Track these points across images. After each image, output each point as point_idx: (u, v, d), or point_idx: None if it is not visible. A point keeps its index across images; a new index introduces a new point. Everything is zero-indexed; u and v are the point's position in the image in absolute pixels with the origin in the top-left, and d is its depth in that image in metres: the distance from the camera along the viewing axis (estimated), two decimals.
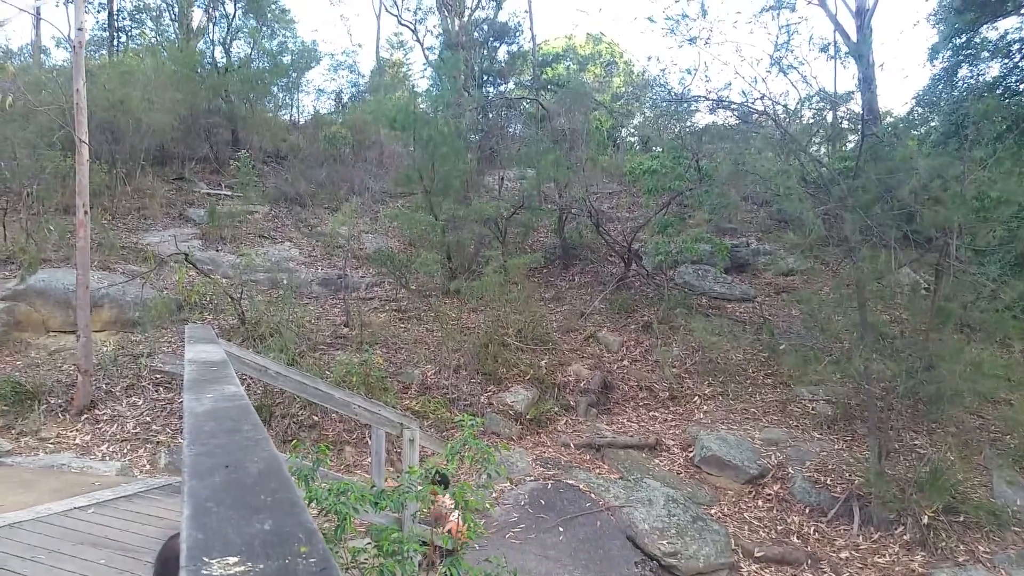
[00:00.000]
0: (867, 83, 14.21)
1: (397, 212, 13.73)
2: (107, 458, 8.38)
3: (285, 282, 11.94)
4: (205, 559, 1.11)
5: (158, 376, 9.94)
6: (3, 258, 11.92)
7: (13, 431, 8.95)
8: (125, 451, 8.64)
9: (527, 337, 11.39)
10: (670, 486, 8.87)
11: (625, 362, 11.76)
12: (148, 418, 9.25)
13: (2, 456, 8.24)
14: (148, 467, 8.24)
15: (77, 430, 9.07)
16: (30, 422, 9.04)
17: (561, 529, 7.82)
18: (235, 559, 1.12)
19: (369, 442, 8.97)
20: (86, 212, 9.35)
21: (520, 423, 10.18)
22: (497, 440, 9.64)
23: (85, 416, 9.26)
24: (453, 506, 5.18)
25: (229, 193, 15.25)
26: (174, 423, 9.17)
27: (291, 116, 21.26)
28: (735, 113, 10.91)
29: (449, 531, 5.84)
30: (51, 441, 8.86)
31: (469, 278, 12.53)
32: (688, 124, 13.08)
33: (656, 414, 10.76)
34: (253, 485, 1.45)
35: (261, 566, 1.10)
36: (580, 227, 14.46)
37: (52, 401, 9.44)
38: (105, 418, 9.25)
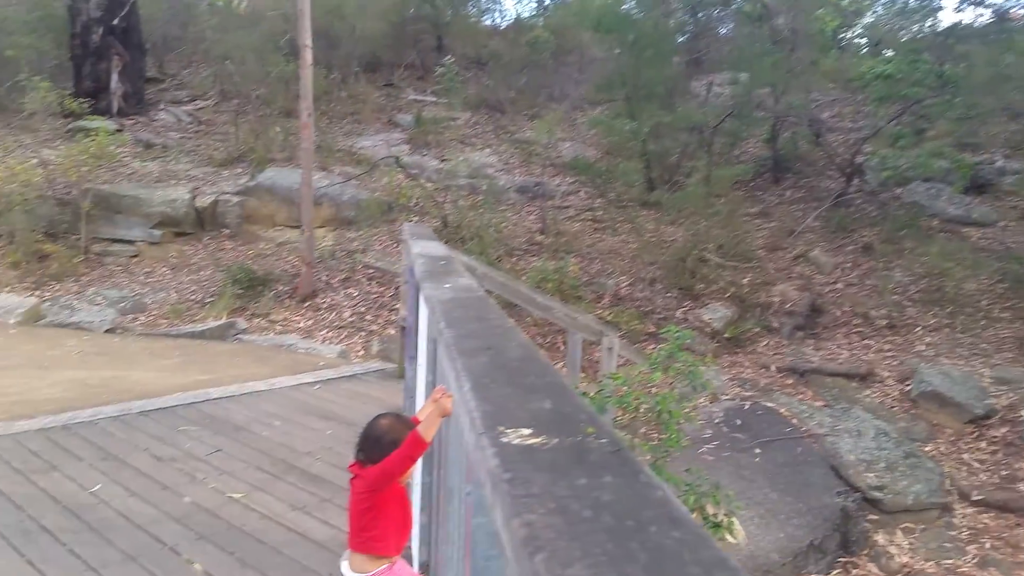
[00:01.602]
0: None
1: (597, 119, 13.44)
2: (326, 342, 9.09)
3: (484, 188, 12.15)
4: (500, 428, 1.07)
5: (370, 271, 10.57)
6: (236, 156, 13.01)
7: (247, 312, 9.92)
8: (341, 337, 9.33)
9: (729, 253, 10.92)
10: (881, 419, 8.34)
11: (838, 285, 11.01)
12: (362, 309, 9.91)
13: (240, 334, 9.18)
14: (362, 352, 8.86)
15: (300, 315, 9.89)
16: (261, 306, 9.97)
17: (758, 451, 7.61)
18: (528, 431, 1.07)
19: (562, 348, 9.09)
20: (309, 115, 9.91)
21: (717, 341, 9.88)
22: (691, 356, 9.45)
23: (307, 303, 10.07)
24: None
25: (434, 99, 15.61)
26: (384, 315, 9.76)
27: (493, 21, 21.26)
28: (992, 10, 9.49)
29: None
30: (279, 324, 9.74)
31: (670, 189, 12.12)
32: (929, 24, 11.59)
33: (870, 343, 10.05)
34: (518, 368, 1.42)
35: (556, 440, 1.05)
36: (796, 137, 13.44)
37: (279, 288, 10.33)
38: (324, 306, 10.02)
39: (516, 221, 12.07)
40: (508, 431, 1.07)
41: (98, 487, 4.35)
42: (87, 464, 4.68)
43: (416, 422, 2.79)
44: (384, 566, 2.59)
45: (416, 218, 11.45)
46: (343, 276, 10.60)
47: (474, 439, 1.09)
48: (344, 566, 2.63)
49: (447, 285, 2.46)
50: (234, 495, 4.36)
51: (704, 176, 11.43)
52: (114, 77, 13.44)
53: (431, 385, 3.18)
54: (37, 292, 10.18)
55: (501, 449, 1.00)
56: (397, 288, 10.31)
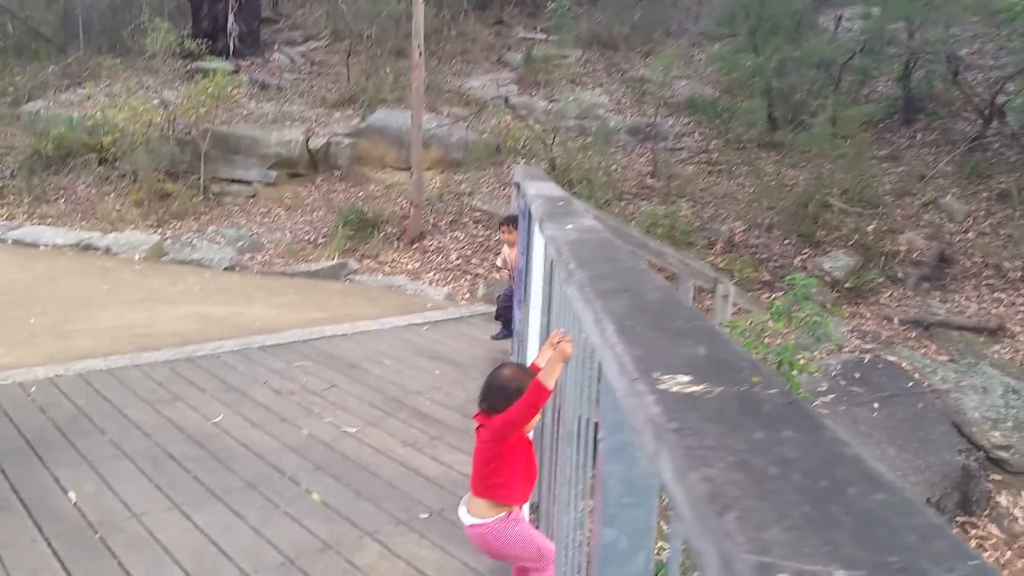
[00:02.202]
0: None
1: (717, 54, 12.79)
2: (433, 284, 9.16)
3: (594, 129, 11.83)
4: (655, 374, 0.94)
5: (477, 214, 10.54)
6: (347, 97, 13.13)
7: (357, 253, 10.10)
8: (448, 279, 9.38)
9: (853, 198, 10.28)
10: (1011, 376, 7.80)
11: (970, 234, 10.22)
12: (468, 252, 9.91)
13: (351, 274, 9.36)
14: (468, 295, 8.89)
15: (409, 257, 10.00)
16: (371, 247, 10.13)
17: (876, 405, 7.23)
18: (686, 378, 0.93)
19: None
20: (420, 54, 9.84)
21: (837, 291, 9.38)
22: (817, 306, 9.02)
23: (415, 245, 10.16)
24: None
25: (544, 37, 15.25)
26: (490, 258, 9.73)
27: None
28: None
29: None
30: (388, 265, 9.88)
31: (794, 130, 11.46)
32: None
33: (1002, 295, 9.33)
34: (661, 311, 1.28)
35: (719, 389, 0.91)
36: (931, 76, 12.40)
37: (388, 230, 10.46)
38: (432, 248, 10.08)
39: (626, 164, 11.73)
40: (664, 377, 0.94)
41: (220, 417, 4.51)
42: (210, 395, 4.86)
43: (536, 369, 2.69)
44: (502, 514, 2.54)
45: (523, 160, 11.30)
46: (450, 218, 10.62)
47: (626, 384, 0.96)
48: (462, 510, 2.60)
49: (570, 226, 2.33)
50: (348, 429, 4.44)
51: (830, 116, 10.71)
52: (230, 18, 13.74)
53: (546, 329, 3.07)
54: (159, 230, 10.68)
55: (661, 396, 0.87)
56: None
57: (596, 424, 2.19)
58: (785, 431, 0.83)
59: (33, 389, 4.80)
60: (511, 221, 5.93)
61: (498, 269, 7.16)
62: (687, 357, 1.03)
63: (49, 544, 3.14)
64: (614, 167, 11.38)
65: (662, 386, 0.90)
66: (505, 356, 5.95)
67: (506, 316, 6.19)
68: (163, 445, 4.10)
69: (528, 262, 4.21)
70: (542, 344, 3.16)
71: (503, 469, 2.52)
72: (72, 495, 3.52)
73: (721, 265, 9.52)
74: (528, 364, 2.96)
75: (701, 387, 0.92)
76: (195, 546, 3.17)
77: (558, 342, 2.65)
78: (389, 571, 3.06)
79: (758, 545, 0.61)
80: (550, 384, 2.37)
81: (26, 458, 3.88)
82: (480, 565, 3.08)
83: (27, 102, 13.01)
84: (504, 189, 10.88)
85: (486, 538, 2.57)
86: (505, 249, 6.16)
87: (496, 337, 6.24)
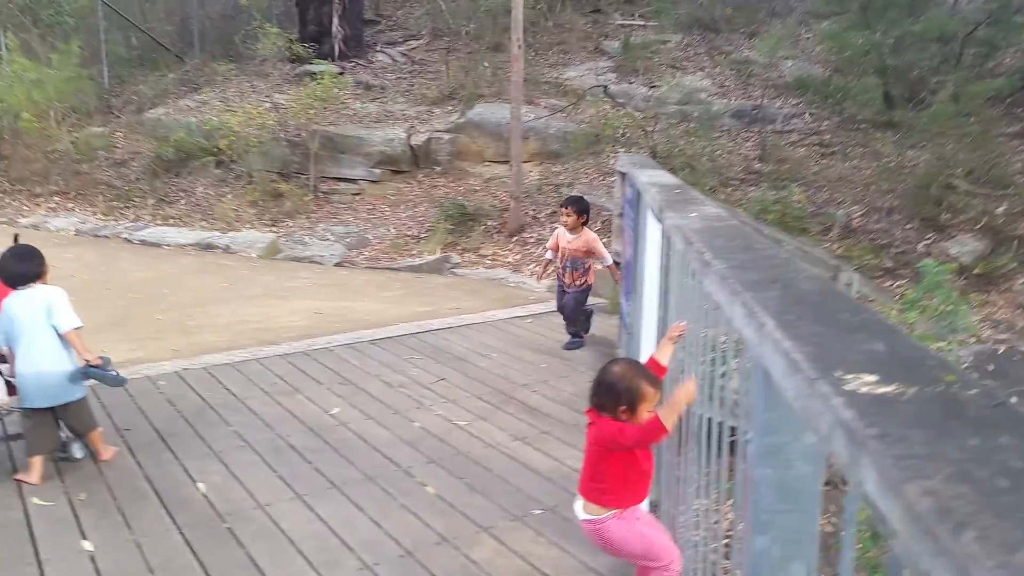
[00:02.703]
0: None
1: (828, 31, 12.21)
2: (535, 276, 9.13)
3: (696, 114, 11.51)
4: (837, 373, 0.85)
5: None
6: (447, 94, 13.26)
7: (458, 247, 10.18)
8: (549, 271, 9.31)
9: (980, 179, 9.62)
10: None
11: None
12: None
13: (453, 267, 9.45)
14: None
15: (509, 250, 10.00)
16: (471, 240, 10.19)
17: (1015, 400, 6.73)
18: (872, 377, 0.84)
19: None
20: (520, 47, 9.80)
21: (965, 278, 8.79)
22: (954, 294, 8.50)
23: (515, 238, 10.15)
24: None
25: (642, 23, 14.96)
26: None
27: None
28: None
29: None
30: (488, 258, 9.92)
31: (913, 108, 10.82)
32: None
33: None
34: (821, 303, 1.18)
35: (912, 389, 0.81)
36: None
37: (488, 223, 10.49)
38: (532, 240, 10.05)
39: (731, 149, 11.37)
40: (848, 377, 0.85)
41: (337, 410, 4.62)
42: (326, 388, 4.99)
43: (653, 363, 2.60)
44: (613, 512, 2.48)
45: (622, 150, 11.12)
46: (549, 210, 10.55)
47: (801, 385, 0.88)
48: (578, 505, 2.56)
49: (693, 214, 2.24)
50: (459, 422, 4.46)
51: (953, 93, 10.06)
52: (335, 21, 14.09)
53: (663, 322, 2.98)
54: (273, 228, 11.08)
55: (851, 398, 0.79)
56: (603, 223, 10.12)
57: (720, 424, 2.09)
58: (1002, 437, 0.74)
59: (161, 382, 5.04)
60: (573, 203, 5.72)
61: (546, 266, 6.31)
62: (866, 354, 0.93)
63: (181, 533, 3.27)
64: (718, 152, 11.05)
65: (848, 386, 0.82)
66: (611, 350, 5.86)
67: (574, 321, 5.86)
68: (284, 436, 4.23)
69: (638, 253, 4.10)
70: (659, 338, 3.06)
71: (608, 476, 2.45)
72: (201, 485, 3.67)
73: (839, 252, 9.10)
74: (643, 359, 2.86)
75: (892, 387, 0.82)
76: (318, 536, 3.24)
77: (677, 335, 2.55)
78: (506, 567, 3.04)
79: (1011, 571, 0.53)
80: (670, 424, 2.28)
81: (158, 449, 4.07)
82: (598, 564, 3.02)
83: (150, 109, 13.74)
84: (603, 179, 10.74)
85: (601, 534, 2.51)
86: (565, 234, 5.77)
87: (568, 347, 5.83)
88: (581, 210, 5.69)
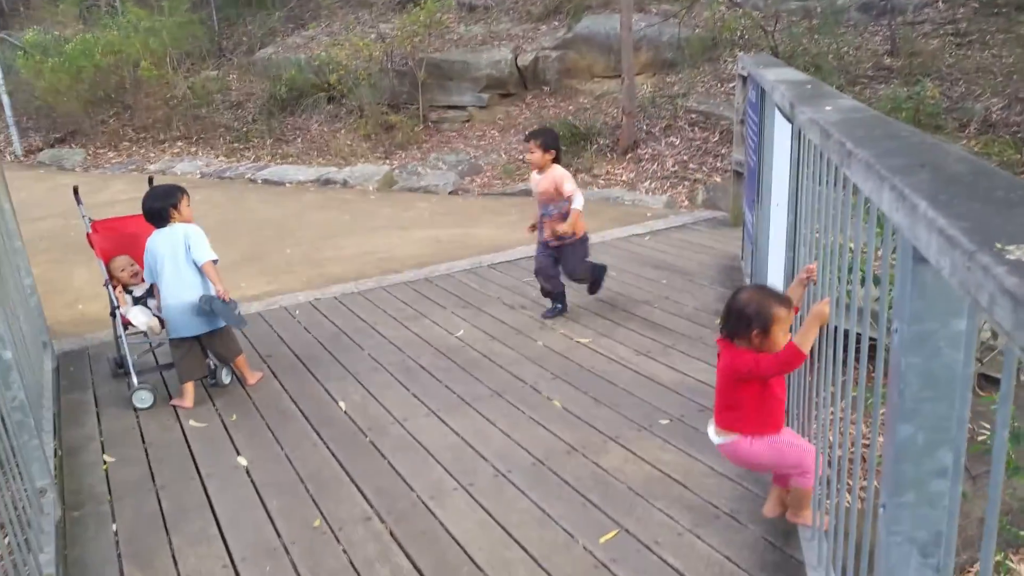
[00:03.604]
0: None
1: None
2: (650, 193, 8.96)
3: (820, 9, 10.76)
4: (996, 245, 0.80)
5: (692, 116, 10.09)
6: (552, 8, 12.93)
7: (571, 168, 10.05)
8: (665, 187, 9.12)
9: None
10: None
11: None
12: (684, 157, 9.56)
13: None
14: (687, 203, 8.60)
15: (623, 168, 9.83)
16: (584, 160, 10.06)
17: None
18: None
19: None
20: None
21: None
22: None
23: (629, 155, 9.95)
24: None
25: None
26: (709, 161, 9.33)
27: None
28: None
29: None
30: (602, 177, 9.79)
31: None
32: None
33: None
34: (973, 183, 1.11)
35: None
36: None
37: (600, 142, 10.31)
38: (646, 157, 9.83)
39: (859, 44, 10.61)
40: (1011, 247, 0.80)
41: (461, 332, 4.76)
42: (449, 312, 5.13)
43: (789, 298, 2.47)
44: (748, 436, 2.47)
45: (740, 53, 10.59)
46: (664, 124, 10.25)
47: (959, 259, 0.84)
48: (711, 429, 2.56)
49: (828, 107, 2.13)
50: (581, 340, 4.51)
51: None
52: None
53: (792, 229, 2.87)
54: (387, 160, 11.30)
55: (1015, 266, 0.75)
56: (722, 132, 9.75)
57: (845, 332, 2.02)
58: None
59: (297, 312, 5.33)
60: (536, 136, 4.71)
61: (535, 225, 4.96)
62: None
63: (327, 447, 3.50)
64: (845, 49, 10.35)
65: (1011, 256, 0.77)
66: (734, 263, 5.72)
67: (554, 287, 4.87)
68: (414, 358, 4.41)
69: (763, 158, 3.94)
70: (787, 246, 2.96)
71: (745, 404, 2.42)
72: (342, 404, 3.90)
73: (977, 149, 8.43)
74: (770, 267, 2.78)
75: None
76: (453, 447, 3.39)
77: (806, 277, 2.46)
78: (635, 473, 3.09)
79: None
80: (806, 348, 2.22)
81: (299, 373, 4.34)
82: (727, 470, 3.03)
83: (260, 49, 14.13)
84: (721, 86, 10.31)
85: (737, 454, 2.51)
86: (534, 176, 4.83)
87: (548, 315, 4.91)
88: (547, 144, 4.66)
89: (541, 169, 4.72)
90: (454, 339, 4.65)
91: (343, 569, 2.63)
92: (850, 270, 2.05)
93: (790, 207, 2.84)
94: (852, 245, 1.96)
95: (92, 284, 6.24)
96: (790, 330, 2.36)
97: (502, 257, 6.31)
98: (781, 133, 3.01)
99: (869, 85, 9.76)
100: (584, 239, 4.84)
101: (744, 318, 2.32)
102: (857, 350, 2.17)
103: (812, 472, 2.46)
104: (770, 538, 2.62)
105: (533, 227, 4.92)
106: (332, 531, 2.86)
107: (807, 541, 2.51)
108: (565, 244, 4.75)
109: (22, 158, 13.89)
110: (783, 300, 2.35)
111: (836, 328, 2.19)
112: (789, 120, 2.71)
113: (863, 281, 3.01)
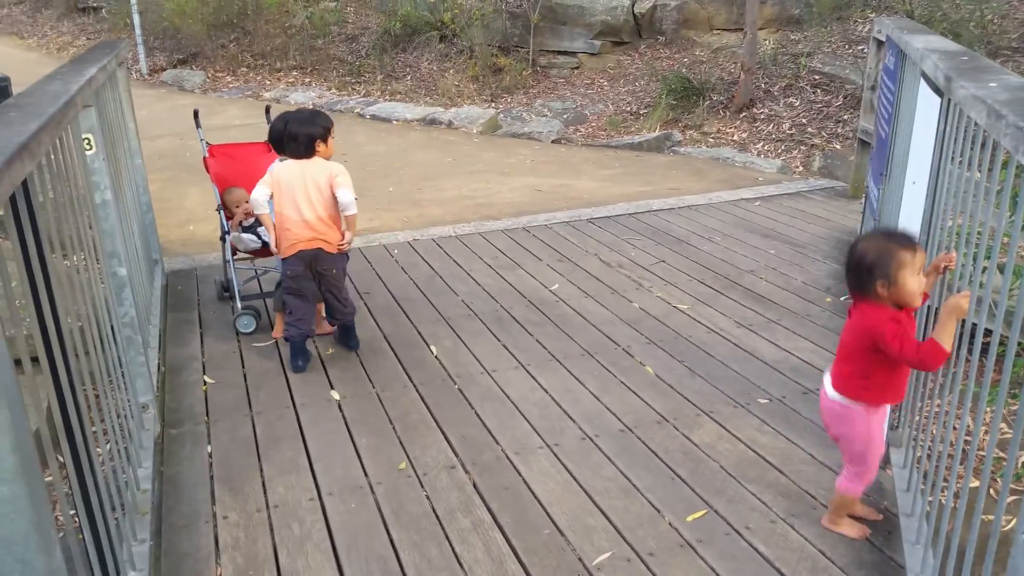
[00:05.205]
0: None
1: None
2: (763, 156, 8.57)
3: None
4: None
5: (816, 77, 9.53)
6: None
7: (680, 123, 9.74)
8: (779, 151, 8.70)
9: None
10: None
11: None
12: (804, 120, 9.07)
13: (675, 146, 9.09)
14: (801, 169, 8.19)
15: (735, 127, 9.42)
16: (695, 117, 9.69)
17: None
18: None
19: None
20: None
21: None
22: None
23: (743, 114, 9.52)
24: None
25: None
26: (829, 127, 8.82)
27: None
28: None
29: None
30: (712, 136, 9.41)
31: None
32: None
33: None
34: None
35: None
36: None
37: (714, 98, 9.89)
38: (762, 117, 9.38)
39: (1006, 12, 9.75)
40: None
41: (556, 286, 4.68)
42: (545, 264, 5.06)
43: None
44: (863, 405, 2.31)
45: (873, 15, 9.89)
46: (784, 83, 9.74)
47: None
48: (826, 378, 2.40)
49: (993, 84, 1.91)
50: (679, 306, 4.36)
51: None
52: None
53: (930, 212, 2.63)
54: (492, 104, 11.18)
55: None
56: (846, 97, 9.19)
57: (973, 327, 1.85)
58: None
59: (395, 251, 5.36)
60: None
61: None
62: None
63: (417, 389, 3.52)
64: (989, 17, 9.52)
65: None
66: (850, 237, 5.41)
67: (297, 306, 3.68)
68: (507, 308, 4.37)
69: (897, 130, 3.66)
70: (921, 227, 2.73)
71: (876, 373, 2.25)
72: (433, 348, 3.91)
73: None
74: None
75: None
76: (541, 404, 3.35)
77: (944, 267, 2.25)
78: (729, 452, 2.98)
79: None
80: (947, 344, 2.02)
81: (394, 313, 4.37)
82: (828, 459, 2.89)
83: None
84: (850, 48, 9.69)
85: (842, 417, 2.34)
86: (275, 165, 3.66)
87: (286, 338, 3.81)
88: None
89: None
90: (548, 292, 4.58)
91: (425, 516, 2.65)
92: (1000, 269, 1.86)
93: (928, 188, 2.61)
94: (1006, 240, 1.78)
95: (204, 206, 6.44)
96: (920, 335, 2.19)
97: (603, 212, 6.16)
98: (926, 106, 2.75)
99: (1013, 57, 8.97)
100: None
101: (864, 268, 2.14)
102: (971, 342, 2.01)
103: (865, 478, 2.37)
104: (869, 536, 2.48)
105: None
106: (417, 475, 2.88)
107: (910, 545, 2.36)
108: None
109: (147, 76, 14.45)
110: (905, 241, 2.12)
111: (963, 322, 2.03)
112: (939, 93, 2.47)
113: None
